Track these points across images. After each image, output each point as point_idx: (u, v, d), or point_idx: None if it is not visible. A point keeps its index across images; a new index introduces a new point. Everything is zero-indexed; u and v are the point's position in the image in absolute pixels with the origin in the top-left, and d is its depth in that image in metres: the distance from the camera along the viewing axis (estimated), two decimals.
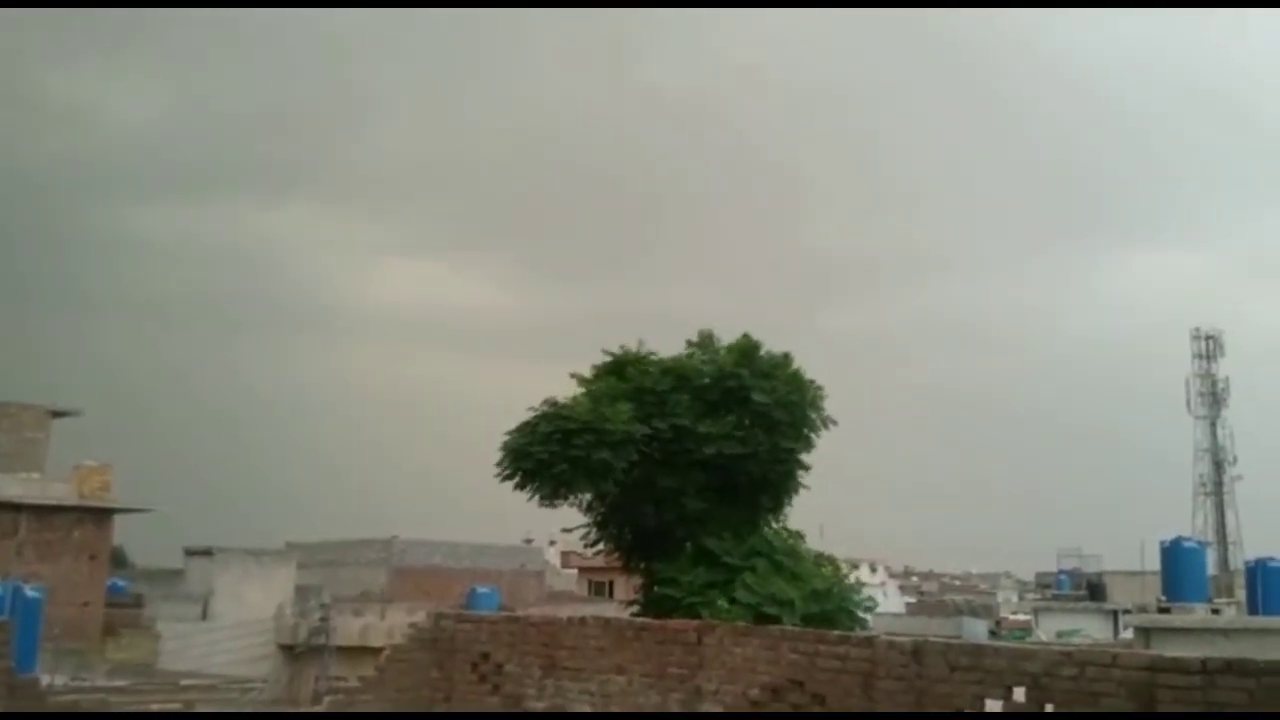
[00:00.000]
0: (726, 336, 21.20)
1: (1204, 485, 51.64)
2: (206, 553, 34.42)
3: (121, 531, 37.45)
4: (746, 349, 20.48)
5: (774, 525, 20.72)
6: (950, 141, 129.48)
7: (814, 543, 21.64)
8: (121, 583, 42.49)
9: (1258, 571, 21.80)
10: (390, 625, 29.32)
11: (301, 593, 35.03)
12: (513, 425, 19.59)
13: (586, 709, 12.81)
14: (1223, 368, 52.01)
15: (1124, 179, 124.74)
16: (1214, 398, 51.47)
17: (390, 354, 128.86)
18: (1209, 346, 51.90)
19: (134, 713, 23.47)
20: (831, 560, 21.10)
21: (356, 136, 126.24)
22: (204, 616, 32.95)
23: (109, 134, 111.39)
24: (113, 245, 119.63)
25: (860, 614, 20.13)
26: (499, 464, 19.43)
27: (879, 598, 24.87)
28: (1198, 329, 52.36)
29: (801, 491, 20.95)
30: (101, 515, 32.78)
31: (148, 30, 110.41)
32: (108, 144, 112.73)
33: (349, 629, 32.07)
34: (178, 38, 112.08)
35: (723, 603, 17.73)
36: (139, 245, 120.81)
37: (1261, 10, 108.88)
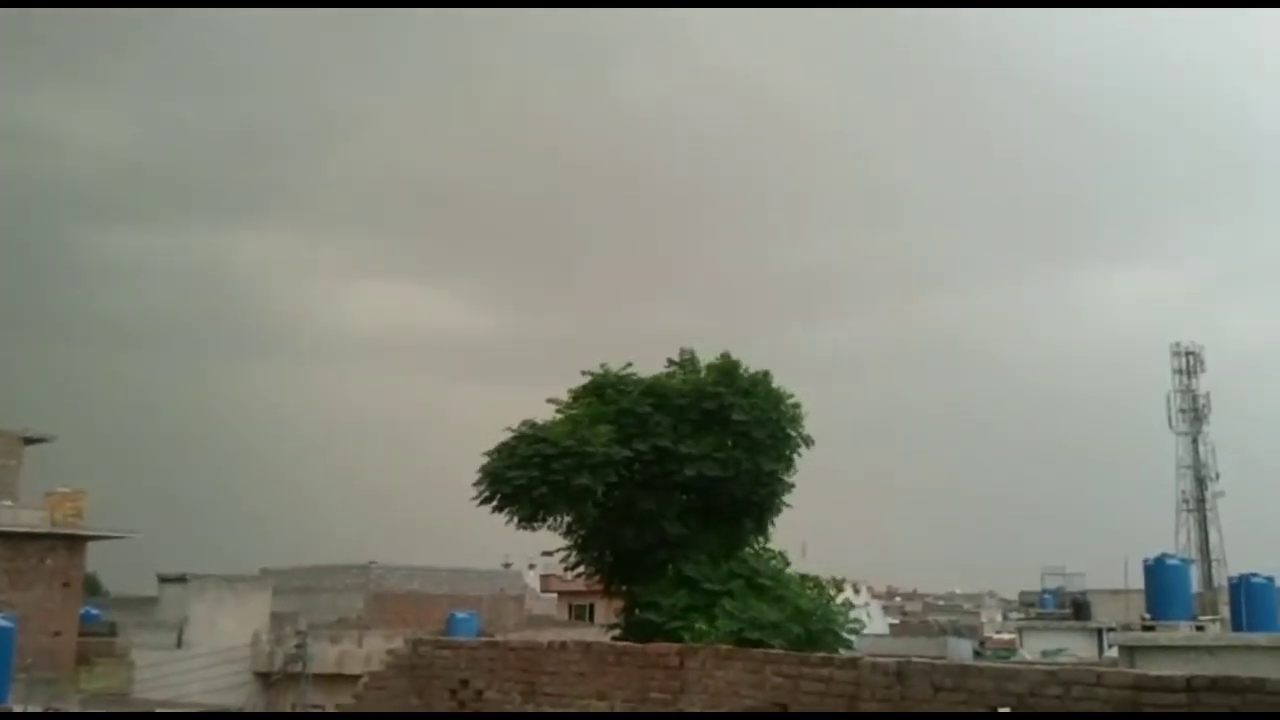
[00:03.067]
0: (709, 354, 21.09)
1: (1186, 502, 51.70)
2: (181, 579, 33.98)
3: (95, 558, 37.01)
4: (726, 368, 20.36)
5: (756, 547, 20.57)
6: (928, 156, 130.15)
7: (796, 562, 21.48)
8: (95, 611, 41.98)
9: (1241, 588, 21.82)
10: (368, 652, 28.92)
11: (277, 620, 34.61)
12: (491, 447, 19.42)
13: None
14: (1203, 383, 52.21)
15: (1099, 194, 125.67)
16: (1195, 414, 51.59)
17: (364, 377, 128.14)
18: (1189, 362, 52.04)
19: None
20: (817, 581, 20.90)
21: (324, 157, 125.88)
22: (179, 644, 32.45)
23: (75, 157, 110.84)
24: (83, 269, 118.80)
25: (845, 635, 19.95)
26: (476, 484, 19.25)
27: (863, 618, 24.64)
28: (1177, 344, 52.50)
29: (784, 511, 20.84)
30: (74, 542, 32.37)
31: (110, 52, 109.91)
32: (74, 167, 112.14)
33: (326, 656, 31.64)
34: (140, 60, 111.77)
35: (702, 625, 17.55)
36: (110, 269, 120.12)
37: (1227, 24, 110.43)
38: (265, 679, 32.68)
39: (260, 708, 31.53)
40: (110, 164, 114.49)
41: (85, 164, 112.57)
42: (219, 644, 32.28)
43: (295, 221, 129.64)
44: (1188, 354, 52.00)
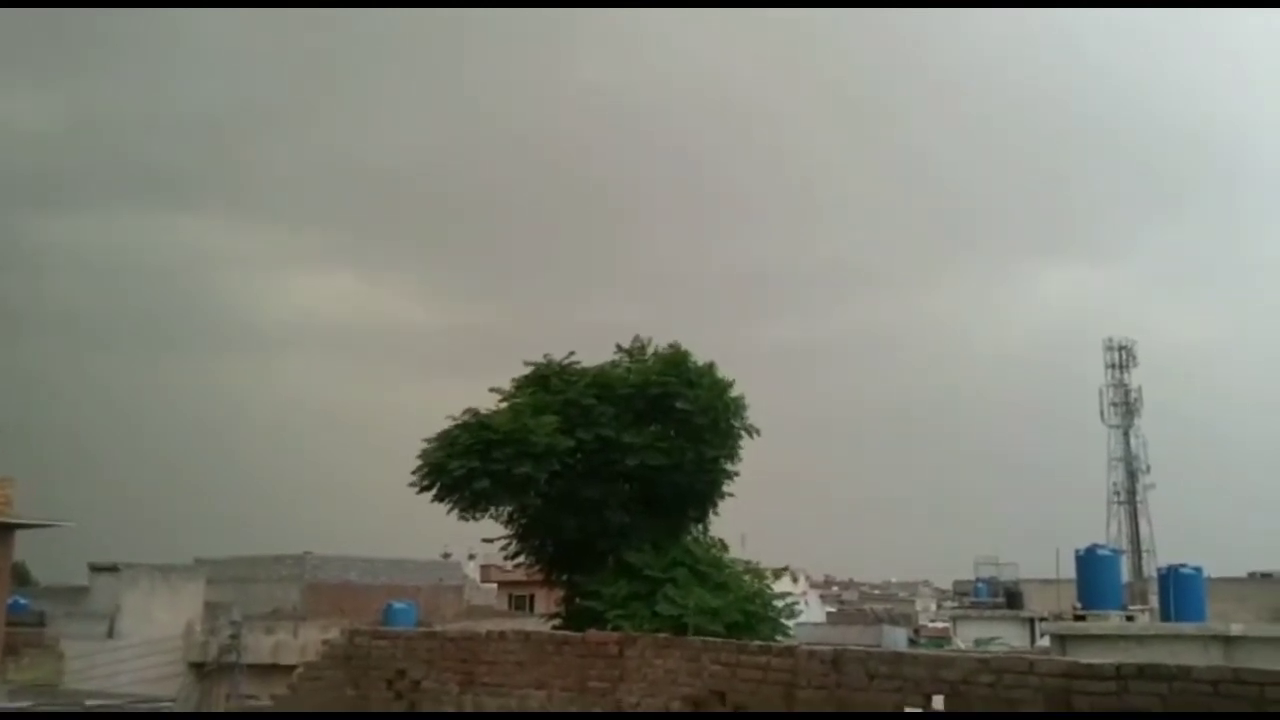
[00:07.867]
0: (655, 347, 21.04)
1: (1118, 494, 52.77)
2: (113, 569, 33.31)
3: (23, 547, 36.10)
4: (674, 359, 20.32)
5: (697, 535, 20.63)
6: (863, 153, 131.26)
7: (736, 551, 21.60)
8: (23, 600, 41.07)
9: (1170, 578, 22.26)
10: (304, 643, 28.56)
11: (211, 610, 34.06)
12: (431, 436, 19.24)
13: None
14: (1134, 378, 53.33)
15: (1030, 193, 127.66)
16: (1127, 407, 52.66)
17: (303, 367, 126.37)
18: (1122, 357, 53.11)
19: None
20: (757, 569, 21.03)
21: (263, 146, 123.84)
22: (110, 635, 31.83)
23: (8, 142, 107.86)
24: (16, 256, 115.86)
25: (784, 621, 20.12)
26: (415, 471, 19.07)
27: (800, 606, 24.87)
28: (1110, 339, 53.59)
29: (725, 500, 20.92)
30: (2, 530, 31.55)
31: (45, 37, 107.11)
32: (7, 152, 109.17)
33: (261, 647, 31.18)
34: (77, 45, 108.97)
35: (644, 612, 17.58)
36: (45, 255, 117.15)
37: (1160, 21, 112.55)
38: (199, 669, 32.17)
39: (194, 698, 31.05)
40: (44, 151, 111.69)
41: (19, 149, 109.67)
42: (152, 634, 31.73)
43: (231, 210, 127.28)
44: (1120, 349, 53.08)
